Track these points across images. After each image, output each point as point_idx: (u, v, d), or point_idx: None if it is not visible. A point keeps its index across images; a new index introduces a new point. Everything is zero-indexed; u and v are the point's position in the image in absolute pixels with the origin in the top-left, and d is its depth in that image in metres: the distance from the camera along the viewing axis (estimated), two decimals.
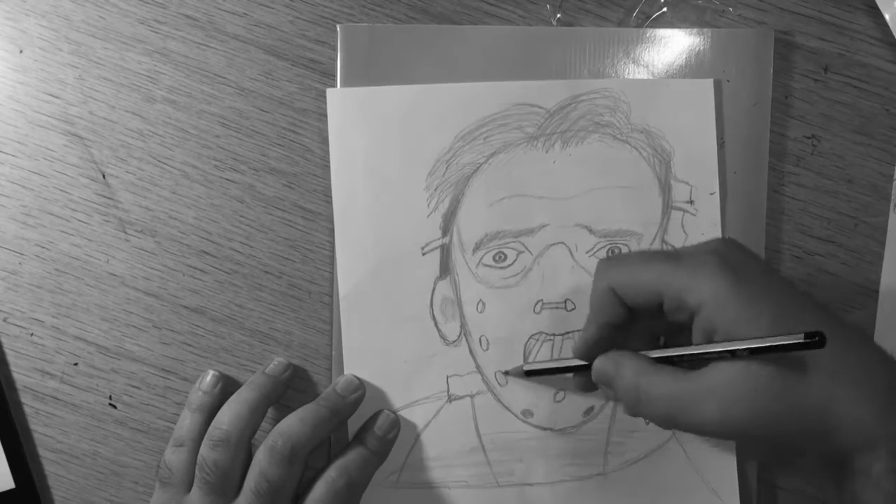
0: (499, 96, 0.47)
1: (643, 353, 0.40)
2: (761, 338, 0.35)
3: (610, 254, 0.48)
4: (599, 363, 0.41)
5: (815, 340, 0.33)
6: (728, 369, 0.36)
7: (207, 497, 0.43)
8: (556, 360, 0.47)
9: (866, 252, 0.49)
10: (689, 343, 0.39)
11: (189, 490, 0.44)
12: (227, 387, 0.47)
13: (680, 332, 0.40)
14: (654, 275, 0.38)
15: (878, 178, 0.49)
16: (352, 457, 0.45)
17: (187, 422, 0.45)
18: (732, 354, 0.36)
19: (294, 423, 0.43)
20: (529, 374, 0.46)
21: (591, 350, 0.41)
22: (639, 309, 0.40)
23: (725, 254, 0.38)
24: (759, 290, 0.37)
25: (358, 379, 0.46)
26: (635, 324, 0.41)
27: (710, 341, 0.37)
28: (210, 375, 0.46)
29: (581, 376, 0.44)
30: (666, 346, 0.43)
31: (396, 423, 0.47)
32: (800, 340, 0.34)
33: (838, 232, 0.49)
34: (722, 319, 0.37)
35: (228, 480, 0.43)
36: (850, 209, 0.49)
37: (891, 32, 0.48)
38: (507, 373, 0.47)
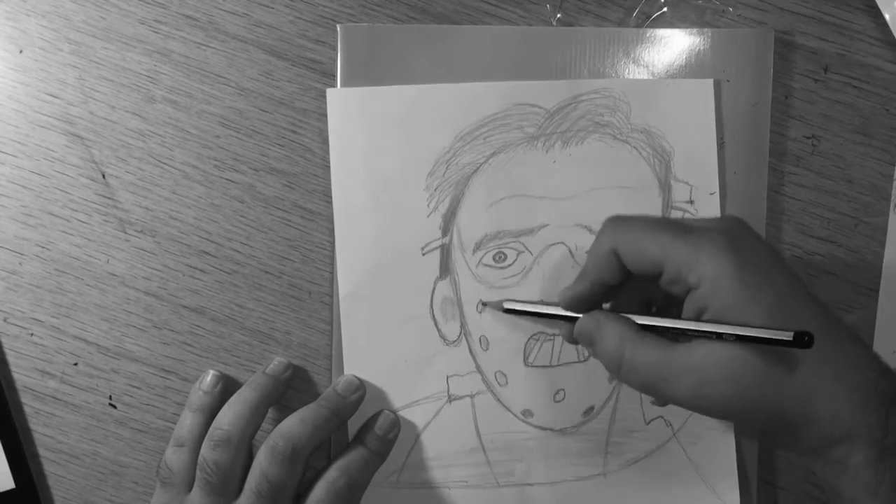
0: (499, 96, 0.47)
1: (629, 316, 0.39)
2: (752, 326, 0.35)
3: None
4: (584, 322, 0.40)
5: (803, 341, 0.34)
6: (712, 349, 0.36)
7: (208, 497, 0.43)
8: (540, 303, 0.46)
9: (866, 252, 0.49)
10: (677, 313, 0.39)
11: (190, 490, 0.44)
12: (228, 387, 0.47)
13: (672, 301, 0.40)
14: (659, 245, 0.38)
15: (878, 178, 0.49)
16: (352, 457, 0.45)
17: (188, 422, 0.45)
18: (719, 336, 0.36)
19: (295, 424, 0.43)
20: (508, 311, 0.46)
21: (580, 304, 0.41)
22: (637, 273, 0.40)
23: (735, 235, 0.38)
24: (760, 279, 0.37)
25: (358, 379, 0.46)
26: (628, 284, 0.41)
27: (698, 318, 0.37)
28: (210, 375, 0.46)
29: (560, 324, 0.43)
30: (657, 314, 0.42)
31: (396, 423, 0.47)
32: (788, 338, 0.34)
33: (838, 232, 0.49)
34: (716, 301, 0.37)
35: (229, 481, 0.43)
36: (850, 209, 0.49)
37: (891, 32, 0.48)
38: (485, 304, 0.47)
